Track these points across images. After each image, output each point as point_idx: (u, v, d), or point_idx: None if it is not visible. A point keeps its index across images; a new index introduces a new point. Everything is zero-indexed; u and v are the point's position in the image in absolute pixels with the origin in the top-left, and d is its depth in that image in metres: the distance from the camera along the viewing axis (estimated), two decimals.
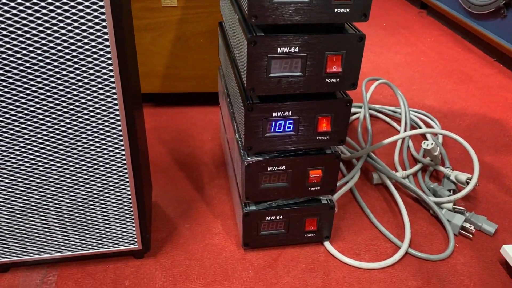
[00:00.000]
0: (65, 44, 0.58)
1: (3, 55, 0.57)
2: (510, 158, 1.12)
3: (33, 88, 0.60)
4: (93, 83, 0.61)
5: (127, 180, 0.70)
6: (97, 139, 0.66)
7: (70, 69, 0.59)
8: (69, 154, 0.66)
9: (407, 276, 0.79)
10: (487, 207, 0.96)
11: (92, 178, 0.69)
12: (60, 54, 0.58)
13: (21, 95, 0.60)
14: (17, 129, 0.63)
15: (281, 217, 0.79)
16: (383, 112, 1.27)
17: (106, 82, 0.61)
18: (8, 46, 0.56)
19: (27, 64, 0.58)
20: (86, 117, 0.63)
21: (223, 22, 0.94)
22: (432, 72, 1.55)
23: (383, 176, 0.99)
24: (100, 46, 0.59)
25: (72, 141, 0.65)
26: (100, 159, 0.68)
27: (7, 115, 0.61)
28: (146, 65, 1.18)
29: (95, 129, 0.65)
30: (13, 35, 0.56)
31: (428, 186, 0.98)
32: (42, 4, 0.55)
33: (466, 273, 0.81)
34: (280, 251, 0.83)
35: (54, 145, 0.65)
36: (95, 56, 0.59)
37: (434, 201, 0.92)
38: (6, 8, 0.54)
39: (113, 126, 0.65)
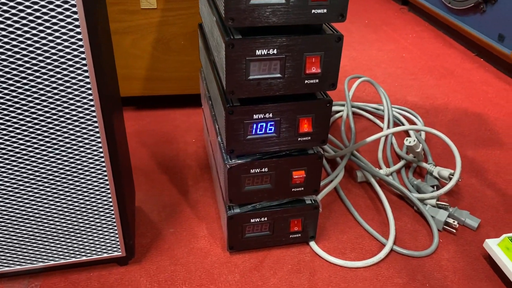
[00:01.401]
0: (39, 52, 0.56)
1: None
2: (492, 152, 1.13)
3: (7, 97, 0.59)
4: (69, 90, 0.60)
5: (108, 186, 0.69)
6: (75, 146, 0.65)
7: (45, 76, 0.58)
8: (47, 162, 0.65)
9: (392, 274, 0.80)
10: (470, 202, 0.97)
11: (71, 186, 0.68)
12: (34, 61, 0.57)
13: None
14: None
15: (265, 219, 0.79)
16: (366, 109, 1.27)
17: (83, 89, 0.60)
18: None
19: None
20: (64, 124, 0.62)
21: (203, 24, 0.93)
22: (414, 68, 1.56)
23: (367, 174, 0.99)
24: (75, 53, 0.58)
25: (50, 149, 0.64)
26: (79, 166, 0.66)
27: None
28: (127, 68, 1.17)
29: (73, 136, 0.64)
30: None
31: (412, 182, 0.99)
32: (14, 11, 0.53)
33: (451, 268, 0.81)
34: (266, 253, 0.83)
35: (31, 154, 0.64)
36: (70, 62, 0.58)
37: (418, 198, 0.93)
38: None
39: (91, 132, 0.64)
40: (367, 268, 0.81)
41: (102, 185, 0.69)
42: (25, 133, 0.62)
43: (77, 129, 0.63)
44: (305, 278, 0.78)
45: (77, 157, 0.65)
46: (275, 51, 0.62)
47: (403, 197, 0.97)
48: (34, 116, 0.61)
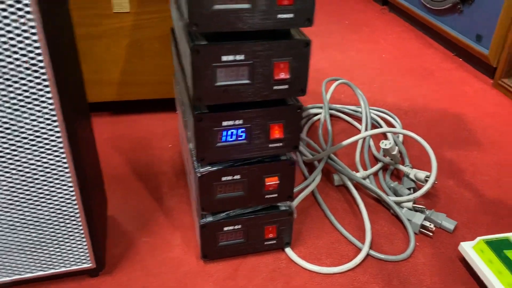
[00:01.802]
0: None
1: None
2: (469, 153, 1.13)
3: None
4: (28, 100, 0.58)
5: (74, 198, 0.67)
6: (38, 157, 0.62)
7: (2, 86, 0.56)
8: (9, 174, 0.63)
9: (368, 279, 0.79)
10: (447, 204, 0.97)
11: (36, 198, 0.66)
12: None
13: None
14: None
15: (239, 226, 0.77)
16: (344, 111, 1.27)
17: (43, 98, 0.58)
18: None
19: None
20: (24, 135, 0.60)
21: (174, 28, 0.91)
22: (393, 69, 1.56)
23: (343, 177, 0.99)
24: (33, 62, 0.56)
25: (12, 160, 0.62)
26: (43, 177, 0.64)
27: None
28: (101, 73, 1.14)
29: (35, 147, 0.61)
30: None
31: (389, 185, 0.99)
32: None
33: (427, 272, 0.81)
34: (241, 260, 0.81)
35: None
36: (28, 72, 0.56)
37: (394, 201, 0.92)
38: None
39: (53, 143, 0.62)
40: (343, 273, 0.80)
41: (67, 197, 0.67)
42: None
43: (39, 139, 0.61)
44: (280, 286, 0.77)
45: (40, 168, 0.63)
46: (242, 57, 0.61)
47: (380, 200, 0.96)
48: None
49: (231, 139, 0.68)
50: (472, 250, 0.78)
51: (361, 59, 1.62)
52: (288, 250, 0.83)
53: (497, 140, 1.18)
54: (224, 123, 0.66)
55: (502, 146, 1.16)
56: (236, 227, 0.77)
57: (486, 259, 0.75)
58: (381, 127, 1.20)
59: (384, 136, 1.18)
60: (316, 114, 1.25)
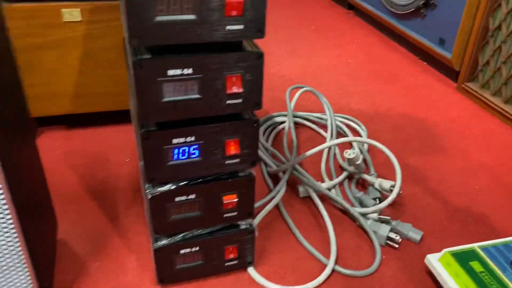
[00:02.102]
0: None
1: None
2: (434, 159, 1.12)
3: None
4: None
5: (12, 225, 0.62)
6: None
7: None
8: None
9: None
10: (414, 213, 0.95)
11: None
12: None
13: None
14: None
15: (197, 248, 0.73)
16: (310, 119, 1.24)
17: None
18: None
19: None
20: None
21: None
22: (359, 74, 1.55)
23: (308, 189, 0.96)
24: None
25: None
26: None
27: None
28: (53, 85, 1.08)
29: None
30: None
31: (354, 195, 0.96)
32: None
33: (394, 286, 0.78)
34: (201, 283, 0.77)
35: None
36: None
37: (360, 212, 0.90)
38: None
39: None
40: None
41: (4, 225, 0.61)
42: None
43: None
44: None
45: None
46: (190, 71, 0.57)
47: (346, 212, 0.94)
48: None
49: (183, 157, 0.64)
50: (438, 263, 0.76)
51: (327, 64, 1.60)
52: (250, 270, 0.79)
53: (461, 145, 1.18)
54: (175, 141, 0.62)
55: (466, 151, 1.16)
56: (194, 249, 0.73)
57: (453, 273, 0.74)
58: (346, 135, 1.18)
59: (350, 144, 1.16)
60: (282, 122, 1.22)
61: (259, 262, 0.82)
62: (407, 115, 1.31)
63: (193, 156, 0.64)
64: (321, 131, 1.20)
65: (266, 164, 1.06)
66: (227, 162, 0.66)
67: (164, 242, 0.71)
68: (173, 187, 0.66)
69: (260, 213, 0.90)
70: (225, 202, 0.70)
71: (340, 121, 1.23)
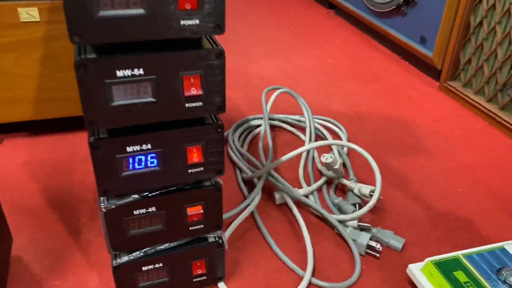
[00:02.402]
0: None
1: None
2: (416, 161, 1.08)
3: None
4: None
5: None
6: None
7: None
8: None
9: None
10: (395, 218, 0.90)
11: None
12: None
13: None
14: None
15: (161, 264, 0.67)
16: (287, 122, 1.19)
17: None
18: None
19: None
20: None
21: None
22: (339, 74, 1.50)
23: (285, 195, 0.90)
24: None
25: None
26: None
27: None
28: (13, 91, 1.01)
29: None
30: None
31: (333, 201, 0.91)
32: None
33: None
34: None
35: None
36: None
37: (338, 219, 0.85)
38: None
39: None
40: None
41: None
42: None
43: None
44: None
45: None
46: (141, 71, 0.51)
47: (324, 219, 0.89)
48: None
49: (140, 167, 0.58)
50: (421, 273, 0.71)
51: (306, 65, 1.56)
52: (221, 286, 0.74)
53: (444, 146, 1.14)
54: (129, 149, 0.56)
55: (449, 152, 1.12)
56: (157, 265, 0.67)
57: (436, 283, 0.69)
58: (326, 138, 1.13)
59: (329, 147, 1.11)
60: (258, 126, 1.17)
61: (231, 276, 0.76)
62: (388, 116, 1.27)
63: (152, 165, 0.59)
64: (300, 134, 1.15)
65: (241, 170, 1.00)
66: (189, 171, 0.61)
67: (124, 259, 0.65)
68: (130, 199, 0.60)
69: (233, 222, 0.85)
70: (190, 214, 0.64)
71: (319, 123, 1.18)
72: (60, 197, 0.91)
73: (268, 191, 0.96)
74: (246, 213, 0.86)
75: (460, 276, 0.69)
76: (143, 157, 0.57)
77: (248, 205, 0.88)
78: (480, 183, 1.01)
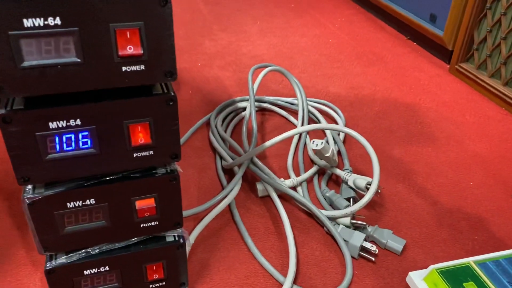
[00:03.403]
0: None
1: None
2: (422, 150, 0.95)
3: None
4: None
5: None
6: None
7: None
8: None
9: None
10: (395, 216, 0.78)
11: None
12: None
13: None
14: None
15: (107, 268, 0.55)
16: (278, 104, 1.07)
17: None
18: None
19: None
20: None
21: None
22: (340, 55, 1.37)
23: (268, 187, 0.78)
24: None
25: None
26: None
27: None
28: None
29: None
30: None
31: (324, 194, 0.79)
32: None
33: None
34: None
35: None
36: None
37: (328, 216, 0.73)
38: None
39: None
40: None
41: None
42: None
43: None
44: None
45: None
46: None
47: (313, 215, 0.76)
48: None
49: (69, 148, 0.46)
50: (423, 284, 0.59)
51: (305, 44, 1.43)
52: None
53: (453, 134, 1.01)
54: (52, 125, 0.44)
55: (460, 141, 0.99)
56: (103, 269, 0.55)
57: None
58: (319, 122, 1.00)
59: (323, 133, 0.99)
60: (246, 108, 1.04)
61: (198, 282, 0.65)
62: (392, 100, 1.14)
63: (85, 146, 0.46)
64: (292, 119, 1.03)
65: (221, 157, 0.88)
66: (135, 155, 0.49)
67: (61, 260, 0.53)
68: (62, 189, 0.49)
69: (205, 217, 0.73)
70: (139, 208, 0.52)
71: (314, 107, 1.05)
72: (4, 186, 0.80)
73: (251, 181, 0.84)
74: (222, 206, 0.75)
75: None
76: (72, 136, 0.45)
77: (225, 197, 0.76)
78: (494, 176, 0.88)
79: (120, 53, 0.41)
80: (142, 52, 0.42)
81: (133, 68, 0.43)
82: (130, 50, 0.41)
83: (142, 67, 0.43)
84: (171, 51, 0.43)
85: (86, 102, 0.44)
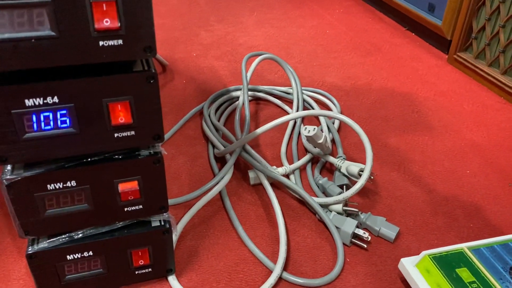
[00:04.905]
0: None
1: None
2: (418, 138, 0.94)
3: None
4: None
5: None
6: None
7: None
8: None
9: None
10: (389, 203, 0.77)
11: None
12: None
13: None
14: None
15: (91, 253, 0.54)
16: (273, 93, 1.05)
17: None
18: None
19: None
20: None
21: None
22: (337, 45, 1.35)
23: (260, 174, 0.77)
24: None
25: None
26: None
27: None
28: None
29: None
30: None
31: (317, 182, 0.78)
32: None
33: None
34: None
35: None
36: None
37: (320, 203, 0.71)
38: None
39: None
40: None
41: None
42: None
43: None
44: None
45: None
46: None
47: (305, 203, 0.75)
48: None
49: (47, 127, 0.45)
50: (415, 270, 0.58)
51: (301, 35, 1.41)
52: (172, 280, 0.61)
53: (451, 123, 0.99)
54: (29, 103, 0.43)
55: (457, 129, 0.97)
56: (87, 254, 0.54)
57: (433, 283, 0.55)
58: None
59: (318, 122, 0.98)
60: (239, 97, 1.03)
61: (186, 268, 0.63)
62: (389, 90, 1.12)
63: (64, 126, 0.45)
64: (287, 108, 1.01)
65: (213, 145, 0.87)
66: (116, 135, 0.48)
67: (43, 245, 0.52)
68: (42, 170, 0.47)
69: (195, 204, 0.71)
70: (123, 191, 0.51)
71: (309, 96, 1.04)
72: None
73: (244, 169, 0.83)
74: (212, 194, 0.73)
75: (464, 274, 0.56)
76: (50, 114, 0.44)
77: (216, 184, 0.75)
78: (491, 164, 0.87)
79: (96, 26, 0.40)
80: (119, 25, 0.41)
81: (111, 42, 0.41)
82: (107, 23, 0.40)
83: (120, 41, 0.42)
84: (149, 25, 0.41)
85: (63, 79, 0.43)
